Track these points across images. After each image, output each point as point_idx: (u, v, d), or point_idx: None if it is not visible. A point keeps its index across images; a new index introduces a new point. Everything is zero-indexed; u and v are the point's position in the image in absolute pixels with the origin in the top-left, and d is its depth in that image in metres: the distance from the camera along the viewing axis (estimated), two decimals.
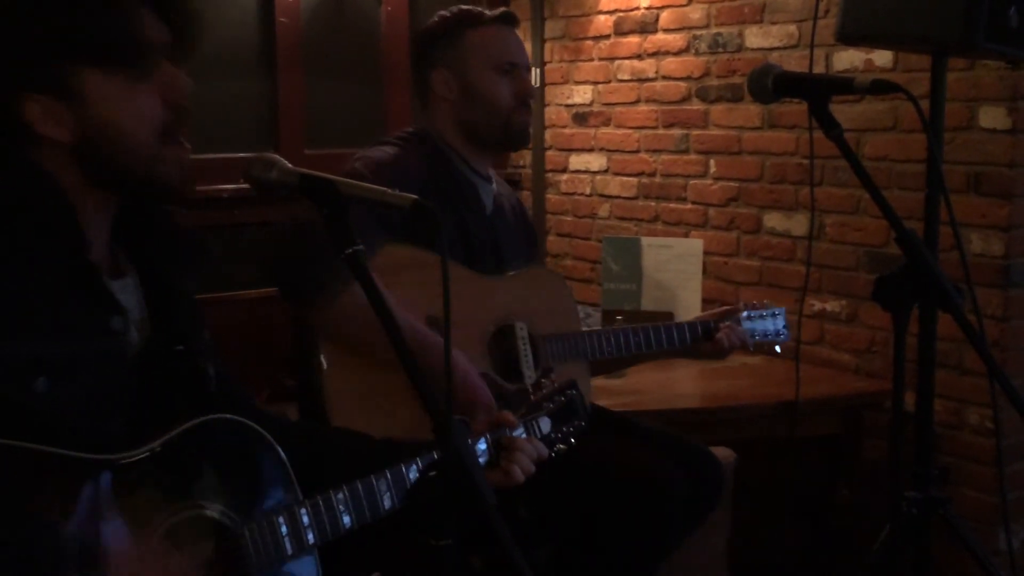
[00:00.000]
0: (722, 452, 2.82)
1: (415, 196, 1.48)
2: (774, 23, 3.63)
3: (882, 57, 3.33)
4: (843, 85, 1.92)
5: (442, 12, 2.57)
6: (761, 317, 2.76)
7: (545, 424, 1.92)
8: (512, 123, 2.51)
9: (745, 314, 2.73)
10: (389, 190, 1.50)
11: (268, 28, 3.86)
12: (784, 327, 2.81)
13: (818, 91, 1.93)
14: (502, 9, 2.62)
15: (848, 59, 3.41)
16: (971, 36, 2.31)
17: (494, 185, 2.62)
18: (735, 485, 2.93)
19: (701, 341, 2.66)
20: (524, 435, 1.88)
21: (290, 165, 1.54)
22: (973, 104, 3.12)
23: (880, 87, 1.88)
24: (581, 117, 4.34)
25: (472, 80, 2.50)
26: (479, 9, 2.57)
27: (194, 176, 1.56)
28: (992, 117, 3.09)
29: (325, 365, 2.22)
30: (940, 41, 2.39)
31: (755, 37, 3.69)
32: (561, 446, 1.94)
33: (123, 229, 1.58)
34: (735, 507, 2.99)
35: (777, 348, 2.82)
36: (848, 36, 2.54)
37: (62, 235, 1.46)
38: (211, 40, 3.35)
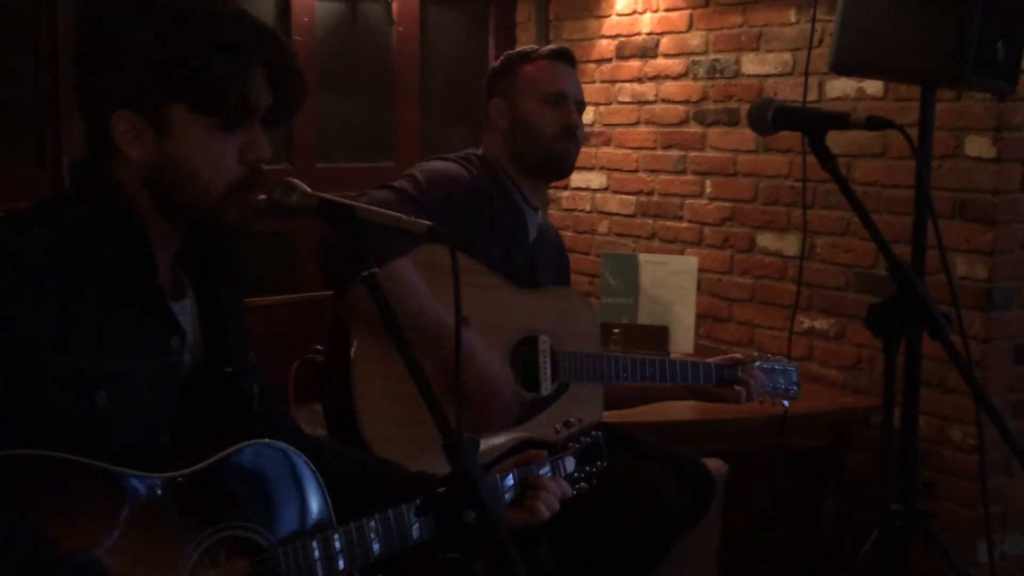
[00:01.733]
0: (714, 463, 2.86)
1: (429, 223, 1.52)
2: (770, 51, 3.71)
3: (873, 86, 3.39)
4: (840, 121, 1.95)
5: (507, 52, 2.73)
6: (773, 371, 2.73)
7: (570, 463, 1.94)
8: (553, 151, 2.60)
9: (758, 364, 2.71)
10: (405, 216, 1.54)
11: None
12: (796, 382, 2.77)
13: (816, 125, 1.96)
14: (558, 46, 2.74)
15: (840, 87, 3.48)
16: (960, 69, 2.37)
17: (540, 216, 2.73)
18: (726, 495, 2.97)
19: (714, 384, 2.67)
20: (550, 473, 1.89)
21: (309, 189, 1.57)
22: (960, 133, 3.19)
23: (875, 124, 1.93)
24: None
25: (521, 108, 2.61)
26: (537, 47, 2.70)
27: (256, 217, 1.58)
28: (978, 146, 3.15)
29: (355, 350, 2.28)
30: (930, 73, 2.44)
31: (751, 64, 3.77)
32: (583, 484, 1.95)
33: (185, 252, 1.62)
34: (726, 517, 3.04)
35: (785, 403, 2.78)
36: (841, 66, 2.59)
37: (137, 259, 1.51)
38: None
